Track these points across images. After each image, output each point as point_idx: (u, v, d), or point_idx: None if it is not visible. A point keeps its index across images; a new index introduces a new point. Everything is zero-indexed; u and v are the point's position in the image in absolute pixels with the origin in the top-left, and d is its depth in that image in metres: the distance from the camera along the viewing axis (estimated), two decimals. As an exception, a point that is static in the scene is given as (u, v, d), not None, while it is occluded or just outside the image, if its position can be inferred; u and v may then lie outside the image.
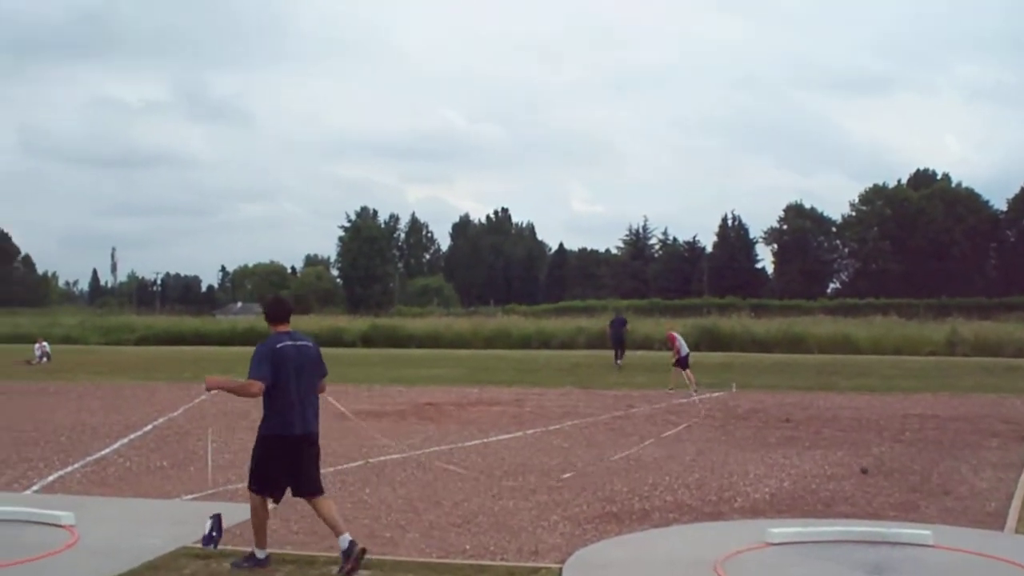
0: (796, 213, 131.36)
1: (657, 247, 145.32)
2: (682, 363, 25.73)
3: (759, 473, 12.93)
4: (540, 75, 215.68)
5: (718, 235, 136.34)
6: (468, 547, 8.83)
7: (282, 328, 8.59)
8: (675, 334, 26.88)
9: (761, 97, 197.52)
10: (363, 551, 7.95)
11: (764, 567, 8.17)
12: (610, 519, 10.08)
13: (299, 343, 8.62)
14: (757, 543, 8.72)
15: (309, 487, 8.38)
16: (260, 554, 8.27)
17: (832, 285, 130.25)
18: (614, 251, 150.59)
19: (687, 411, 20.44)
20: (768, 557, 8.43)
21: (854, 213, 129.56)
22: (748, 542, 8.76)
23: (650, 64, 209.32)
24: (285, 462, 8.30)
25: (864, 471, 12.95)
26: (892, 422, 18.67)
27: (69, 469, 13.31)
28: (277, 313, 8.71)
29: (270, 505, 8.44)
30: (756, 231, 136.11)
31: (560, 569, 8.04)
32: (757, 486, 12.00)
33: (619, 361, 35.52)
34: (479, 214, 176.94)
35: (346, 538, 8.01)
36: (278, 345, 8.35)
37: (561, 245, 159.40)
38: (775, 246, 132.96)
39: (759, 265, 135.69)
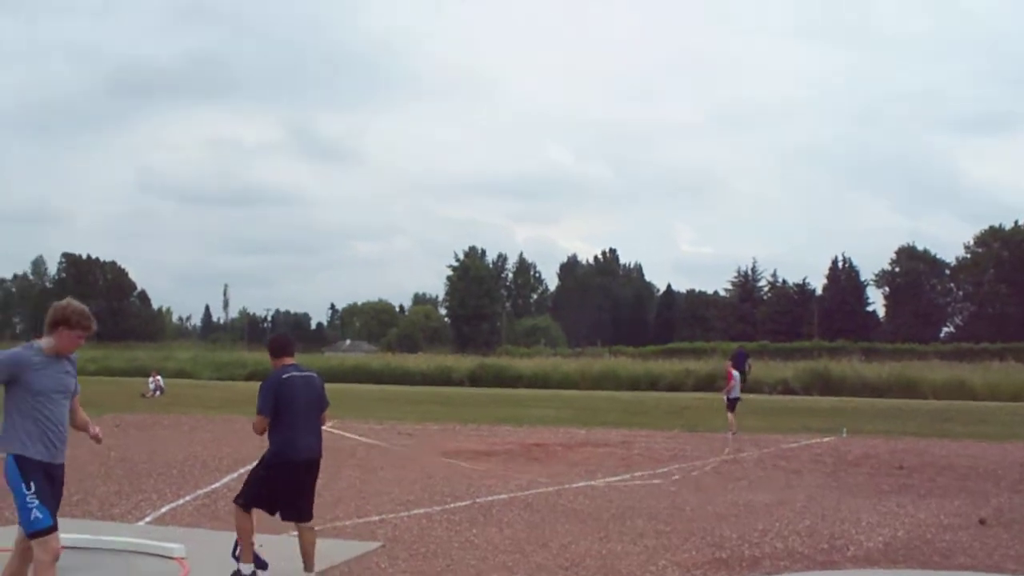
0: (908, 255, 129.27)
1: (766, 289, 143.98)
2: (731, 405, 25.42)
3: (872, 521, 12.64)
4: (647, 113, 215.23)
5: (828, 277, 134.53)
6: (576, 591, 8.76)
7: (287, 361, 8.90)
8: (734, 372, 26.52)
9: (874, 135, 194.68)
10: None
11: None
12: (719, 566, 9.92)
13: (305, 374, 8.89)
14: (872, 594, 8.53)
15: (303, 512, 8.74)
16: (246, 570, 8.57)
17: (946, 329, 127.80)
18: (722, 292, 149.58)
19: (796, 456, 20.12)
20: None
21: (969, 255, 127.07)
22: (862, 593, 8.56)
23: (761, 100, 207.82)
24: (288, 485, 8.65)
25: (982, 521, 12.59)
26: (1011, 471, 18.18)
27: (181, 501, 13.49)
28: (282, 348, 9.05)
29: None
30: (867, 273, 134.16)
31: (669, 616, 7.94)
32: (870, 534, 11.73)
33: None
34: (587, 254, 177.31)
35: None
36: (284, 376, 8.69)
37: (669, 286, 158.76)
38: (887, 288, 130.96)
39: (870, 308, 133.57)
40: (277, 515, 8.89)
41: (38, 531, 6.77)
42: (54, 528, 6.85)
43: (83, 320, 7.16)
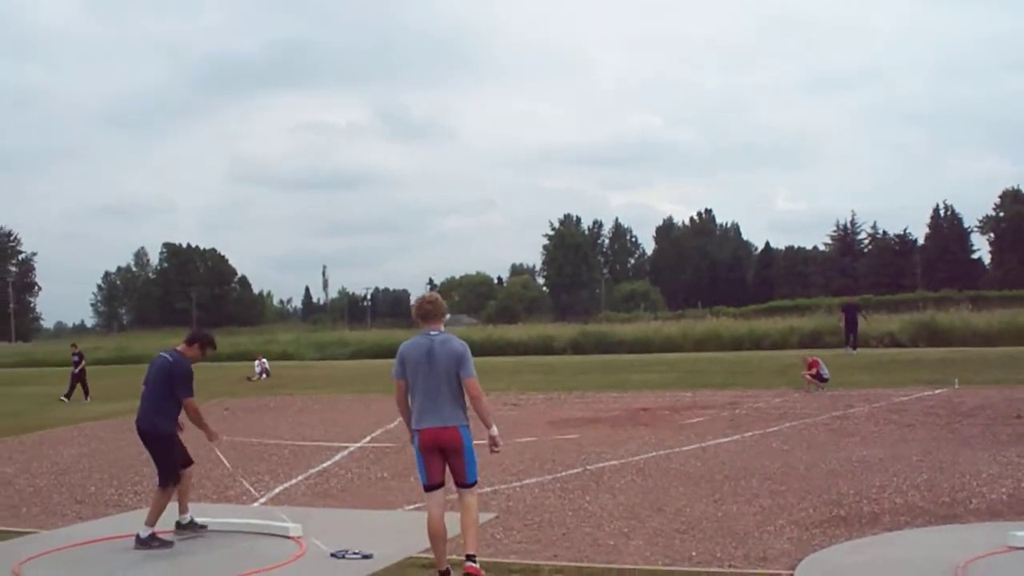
0: (1013, 199, 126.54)
1: (867, 241, 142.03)
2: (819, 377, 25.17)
3: (992, 473, 12.35)
4: (737, 75, 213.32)
5: (930, 226, 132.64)
6: (694, 554, 8.68)
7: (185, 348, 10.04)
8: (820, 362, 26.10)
9: (967, 84, 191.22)
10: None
11: (1009, 572, 7.78)
12: (838, 523, 9.79)
13: (159, 357, 9.98)
14: (1000, 547, 8.33)
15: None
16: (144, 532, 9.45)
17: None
18: (822, 248, 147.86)
19: (908, 409, 19.79)
20: (1013, 562, 8.03)
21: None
22: (990, 546, 8.37)
23: (851, 58, 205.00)
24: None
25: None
26: None
27: (293, 482, 13.67)
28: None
29: None
30: (970, 220, 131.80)
31: (791, 575, 7.84)
32: (992, 486, 11.46)
33: (852, 348, 35.22)
34: (682, 216, 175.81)
35: (186, 517, 9.99)
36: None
37: (767, 244, 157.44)
38: (992, 235, 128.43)
39: (975, 255, 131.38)
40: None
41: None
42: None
43: None
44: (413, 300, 11.24)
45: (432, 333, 8.22)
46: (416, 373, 8.14)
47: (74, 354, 32.34)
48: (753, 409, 21.02)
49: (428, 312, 8.31)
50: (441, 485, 8.15)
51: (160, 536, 9.53)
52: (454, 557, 8.20)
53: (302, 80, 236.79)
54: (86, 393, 31.38)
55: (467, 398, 8.10)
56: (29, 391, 37.34)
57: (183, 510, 10.04)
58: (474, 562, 7.95)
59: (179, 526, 9.93)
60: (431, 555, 8.42)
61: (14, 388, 39.99)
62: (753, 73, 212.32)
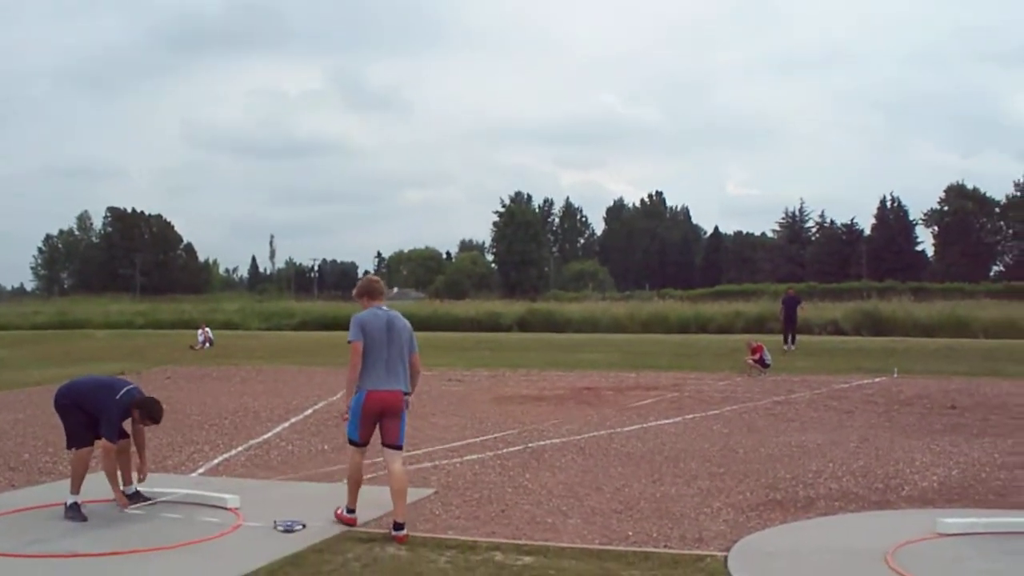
0: (958, 194, 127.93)
1: (814, 230, 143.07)
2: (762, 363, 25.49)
3: (926, 461, 12.58)
4: (694, 58, 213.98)
5: (877, 217, 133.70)
6: (631, 533, 8.78)
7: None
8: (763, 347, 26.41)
9: (921, 74, 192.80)
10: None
11: (937, 558, 7.93)
12: (774, 506, 9.92)
13: None
14: (928, 533, 8.50)
15: None
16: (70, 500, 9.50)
17: (996, 267, 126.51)
18: (770, 234, 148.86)
19: (848, 396, 20.05)
20: (941, 548, 8.19)
21: (1019, 193, 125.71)
22: (919, 532, 8.54)
23: (808, 44, 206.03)
24: None
25: (1037, 460, 12.54)
26: (1065, 409, 18.04)
27: (233, 452, 13.61)
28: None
29: None
30: (916, 212, 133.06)
31: (725, 557, 7.94)
32: (925, 474, 11.67)
33: (790, 345, 34.98)
34: (633, 198, 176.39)
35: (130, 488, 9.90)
36: None
37: (716, 228, 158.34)
38: (935, 228, 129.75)
39: (919, 248, 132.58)
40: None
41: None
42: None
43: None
44: (361, 276, 11.65)
45: (384, 308, 9.09)
46: (375, 342, 8.83)
47: None
48: (696, 391, 21.21)
49: (377, 290, 9.21)
50: (367, 444, 8.99)
51: (82, 506, 9.46)
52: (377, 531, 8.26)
53: (260, 44, 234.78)
54: None
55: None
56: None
57: (127, 481, 9.99)
58: (402, 530, 8.49)
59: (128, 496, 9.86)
60: (368, 529, 8.76)
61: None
62: (718, 53, 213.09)
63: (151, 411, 9.60)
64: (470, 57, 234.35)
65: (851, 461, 12.53)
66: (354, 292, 9.28)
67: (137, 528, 9.00)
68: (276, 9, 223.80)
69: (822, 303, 57.04)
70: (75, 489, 9.42)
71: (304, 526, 8.81)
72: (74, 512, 9.30)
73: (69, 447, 9.62)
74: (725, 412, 17.72)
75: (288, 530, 8.73)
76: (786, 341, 35.09)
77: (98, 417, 9.42)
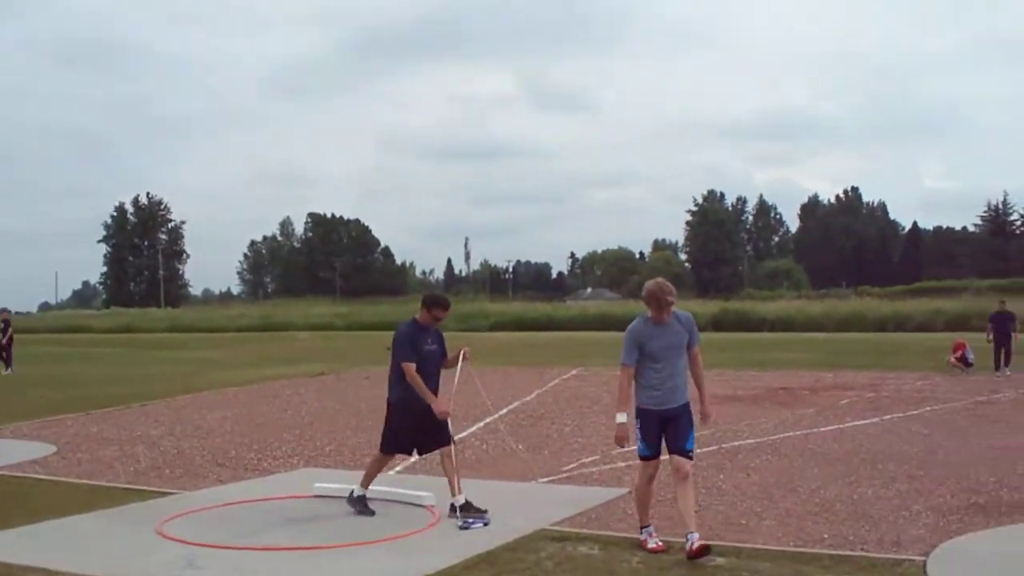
0: None
1: (1019, 223, 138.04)
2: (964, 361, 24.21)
3: None
4: (890, 49, 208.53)
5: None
6: (826, 536, 8.60)
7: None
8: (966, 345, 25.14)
9: None
10: None
11: None
12: (976, 511, 9.58)
13: None
14: None
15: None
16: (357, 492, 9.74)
17: None
18: (971, 228, 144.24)
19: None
20: None
21: None
22: None
23: (1013, 31, 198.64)
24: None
25: None
26: None
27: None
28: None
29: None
30: None
31: (924, 562, 7.71)
32: None
33: (1004, 370, 26.65)
34: (828, 194, 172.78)
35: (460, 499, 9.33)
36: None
37: (915, 224, 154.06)
38: None
39: None
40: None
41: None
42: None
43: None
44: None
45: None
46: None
47: (1, 320, 30.88)
48: (895, 391, 20.71)
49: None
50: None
51: (369, 501, 9.70)
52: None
53: (452, 50, 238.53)
54: (8, 364, 30.40)
55: None
56: (177, 355, 38.33)
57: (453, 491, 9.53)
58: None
59: (451, 508, 9.44)
60: (563, 528, 8.80)
61: (163, 353, 41.13)
62: (912, 42, 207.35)
63: (425, 300, 10.29)
64: (656, 55, 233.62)
65: (1061, 463, 12.04)
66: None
67: (336, 524, 9.22)
68: (462, 16, 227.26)
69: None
70: (365, 484, 9.79)
71: (485, 524, 8.88)
72: (359, 503, 9.58)
73: (381, 448, 10.01)
74: (924, 412, 17.23)
75: (466, 527, 8.82)
76: (998, 366, 29.15)
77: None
